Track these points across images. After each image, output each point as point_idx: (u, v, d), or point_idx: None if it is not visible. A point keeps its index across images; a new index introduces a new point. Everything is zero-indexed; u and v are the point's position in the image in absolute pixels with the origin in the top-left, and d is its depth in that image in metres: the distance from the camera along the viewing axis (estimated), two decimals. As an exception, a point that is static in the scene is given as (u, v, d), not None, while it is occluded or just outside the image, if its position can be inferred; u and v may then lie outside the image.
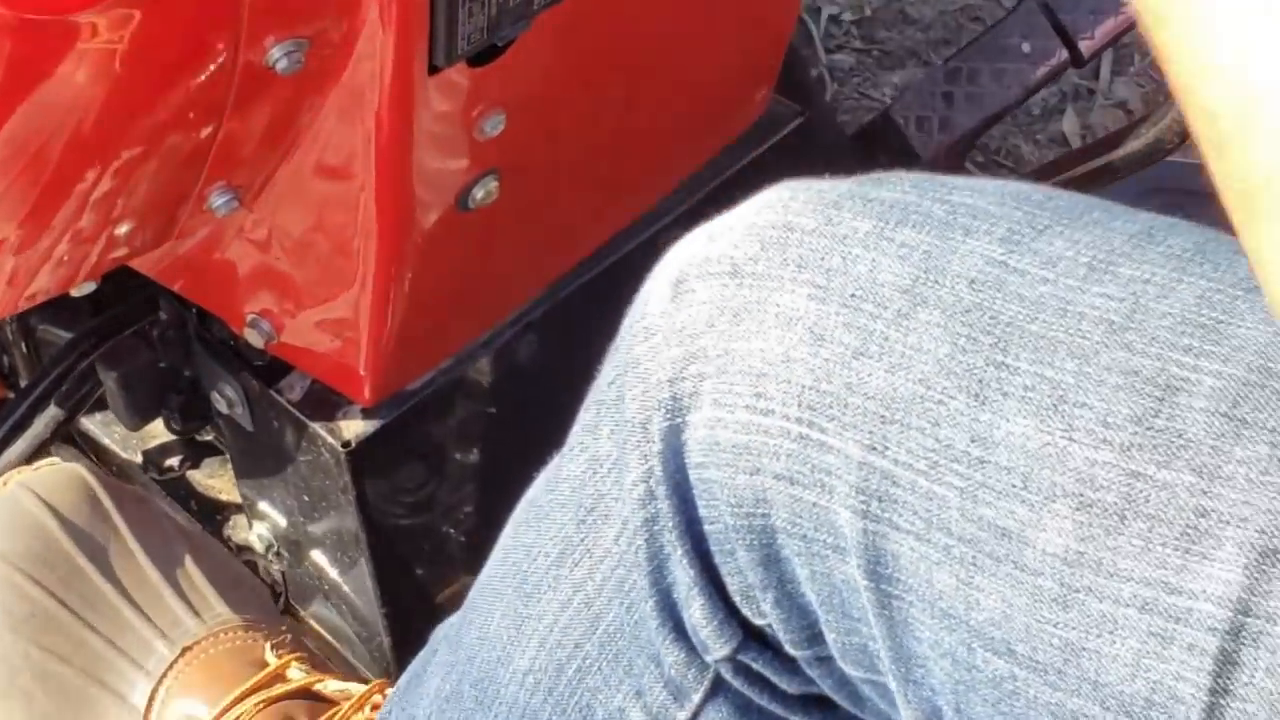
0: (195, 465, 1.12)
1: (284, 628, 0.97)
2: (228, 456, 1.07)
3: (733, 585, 0.62)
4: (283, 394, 0.95)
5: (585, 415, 0.67)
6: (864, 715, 0.65)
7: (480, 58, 0.80)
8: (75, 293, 0.88)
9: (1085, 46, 1.35)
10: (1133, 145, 1.14)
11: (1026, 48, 1.44)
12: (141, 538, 0.96)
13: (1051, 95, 1.71)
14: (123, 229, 0.84)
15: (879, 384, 0.57)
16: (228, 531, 1.11)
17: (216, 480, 1.11)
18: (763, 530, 0.60)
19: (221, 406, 0.99)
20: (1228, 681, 0.51)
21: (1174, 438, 0.53)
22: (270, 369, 0.97)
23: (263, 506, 1.04)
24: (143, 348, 1.01)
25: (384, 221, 0.84)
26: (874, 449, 0.57)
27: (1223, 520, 0.52)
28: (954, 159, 1.34)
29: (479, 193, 0.87)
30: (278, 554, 1.05)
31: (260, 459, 1.01)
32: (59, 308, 1.01)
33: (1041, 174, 1.25)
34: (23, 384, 1.07)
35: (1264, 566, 0.51)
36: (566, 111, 0.91)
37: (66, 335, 1.03)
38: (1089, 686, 0.54)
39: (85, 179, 0.78)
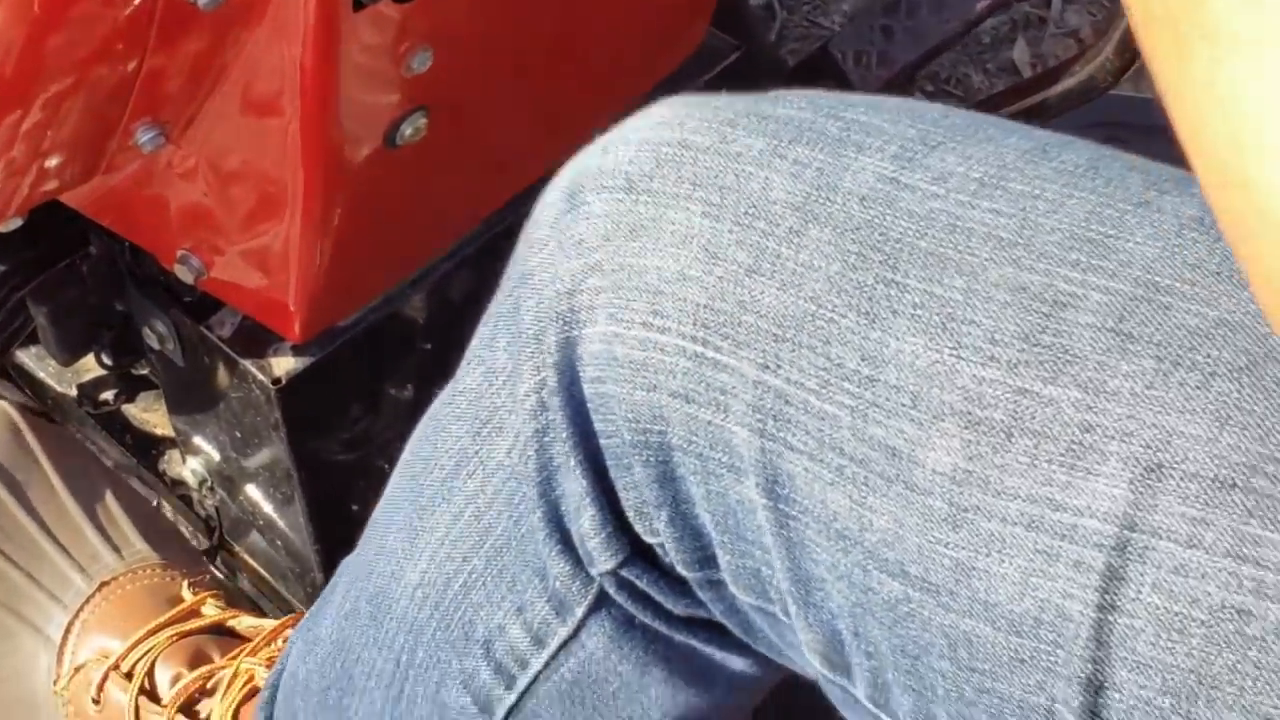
0: (130, 399, 1.11)
1: (201, 568, 0.98)
2: (162, 391, 1.07)
3: (627, 500, 0.62)
4: (213, 330, 0.95)
5: (483, 328, 0.66)
6: (756, 645, 0.65)
7: (406, -6, 0.80)
8: (2, 228, 0.88)
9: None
10: (1068, 83, 1.14)
11: (968, -19, 1.44)
12: (65, 474, 0.96)
13: (1002, 24, 1.71)
14: (51, 162, 0.84)
15: (771, 302, 0.57)
16: (162, 466, 1.11)
17: (151, 414, 1.11)
18: (660, 447, 0.60)
19: (153, 342, 0.99)
20: (1115, 598, 0.51)
21: (1060, 354, 0.53)
22: (201, 305, 0.96)
23: (196, 441, 1.04)
24: (73, 283, 1.00)
25: (311, 158, 0.83)
26: (767, 368, 0.57)
27: (1108, 435, 0.52)
28: (896, 92, 1.34)
29: (407, 129, 0.87)
30: (211, 489, 1.06)
31: (192, 395, 1.01)
32: (-10, 241, 1.01)
33: (978, 109, 1.25)
34: (-46, 318, 1.06)
35: (1149, 481, 0.51)
36: (495, 47, 0.90)
37: (-3, 268, 1.03)
38: (980, 607, 0.54)
39: (12, 111, 0.78)
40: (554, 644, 0.67)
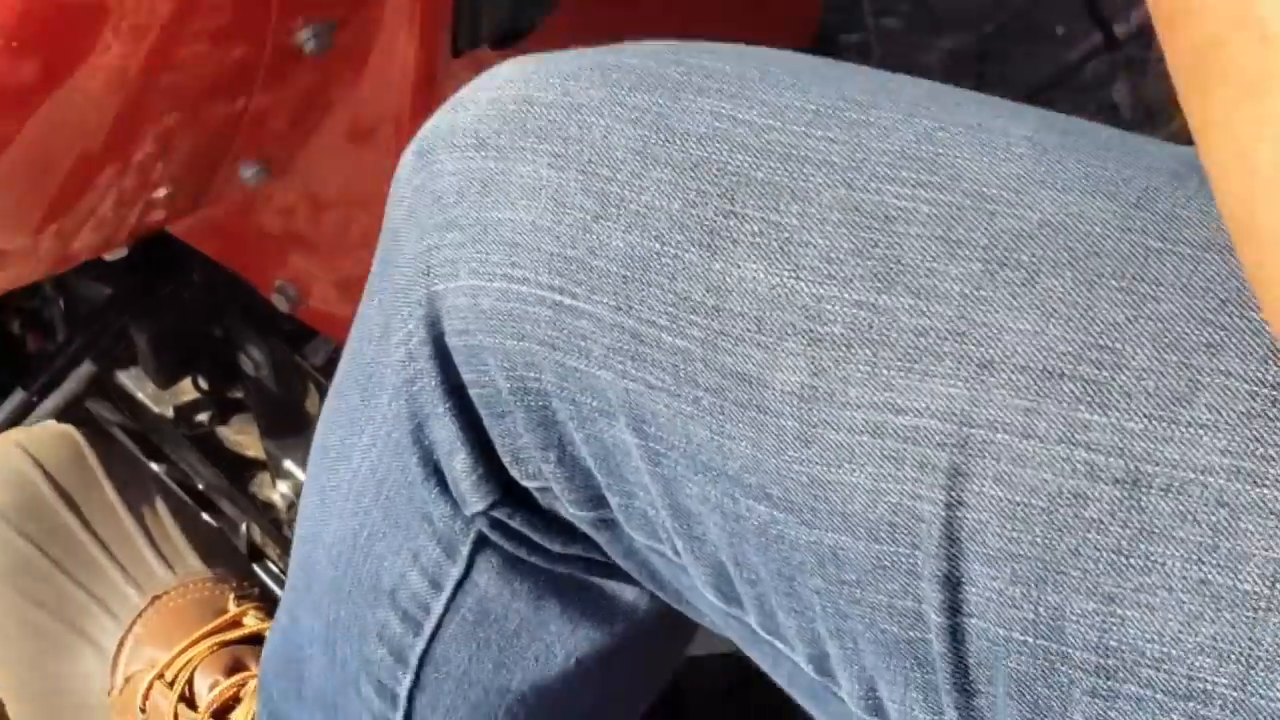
0: (224, 422, 1.14)
1: (249, 582, 1.01)
2: (255, 415, 1.10)
3: (503, 445, 0.64)
4: (307, 358, 0.98)
5: (364, 292, 0.69)
6: (662, 593, 0.67)
7: (504, 40, 0.82)
8: (109, 257, 0.91)
9: (1121, 30, 1.36)
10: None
11: (1060, 30, 1.45)
12: (124, 494, 1.00)
13: (1102, 63, 1.71)
14: (159, 194, 0.87)
15: (619, 245, 0.58)
16: (252, 488, 1.13)
17: (244, 437, 1.14)
18: (538, 393, 0.62)
19: (248, 368, 1.02)
20: (961, 494, 0.52)
21: (892, 264, 0.54)
22: (296, 332, 0.99)
23: (286, 465, 1.07)
24: (174, 309, 1.03)
25: (407, 196, 0.86)
26: (620, 309, 0.58)
27: (941, 337, 0.53)
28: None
29: (501, 170, 0.89)
30: (300, 512, 1.08)
31: (284, 419, 1.04)
32: (96, 266, 1.04)
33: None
34: (60, 339, 1.10)
35: (983, 377, 0.52)
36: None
37: (103, 292, 1.06)
38: (839, 519, 0.55)
39: (125, 144, 0.81)
40: (449, 586, 0.69)
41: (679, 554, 0.61)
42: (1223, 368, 0.49)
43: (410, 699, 0.73)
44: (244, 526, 1.11)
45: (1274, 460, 0.48)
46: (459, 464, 0.65)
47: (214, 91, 0.79)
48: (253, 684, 0.92)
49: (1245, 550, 0.48)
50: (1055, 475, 0.51)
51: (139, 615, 0.97)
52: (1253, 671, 0.49)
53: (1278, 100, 0.42)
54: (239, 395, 1.12)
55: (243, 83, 0.79)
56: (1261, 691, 0.48)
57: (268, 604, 1.00)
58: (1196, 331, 0.50)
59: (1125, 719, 0.51)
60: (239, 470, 1.14)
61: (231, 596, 0.98)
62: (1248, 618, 0.48)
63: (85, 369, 1.04)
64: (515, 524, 0.66)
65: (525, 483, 0.65)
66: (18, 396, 1.04)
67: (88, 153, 0.81)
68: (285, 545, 1.12)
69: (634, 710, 0.82)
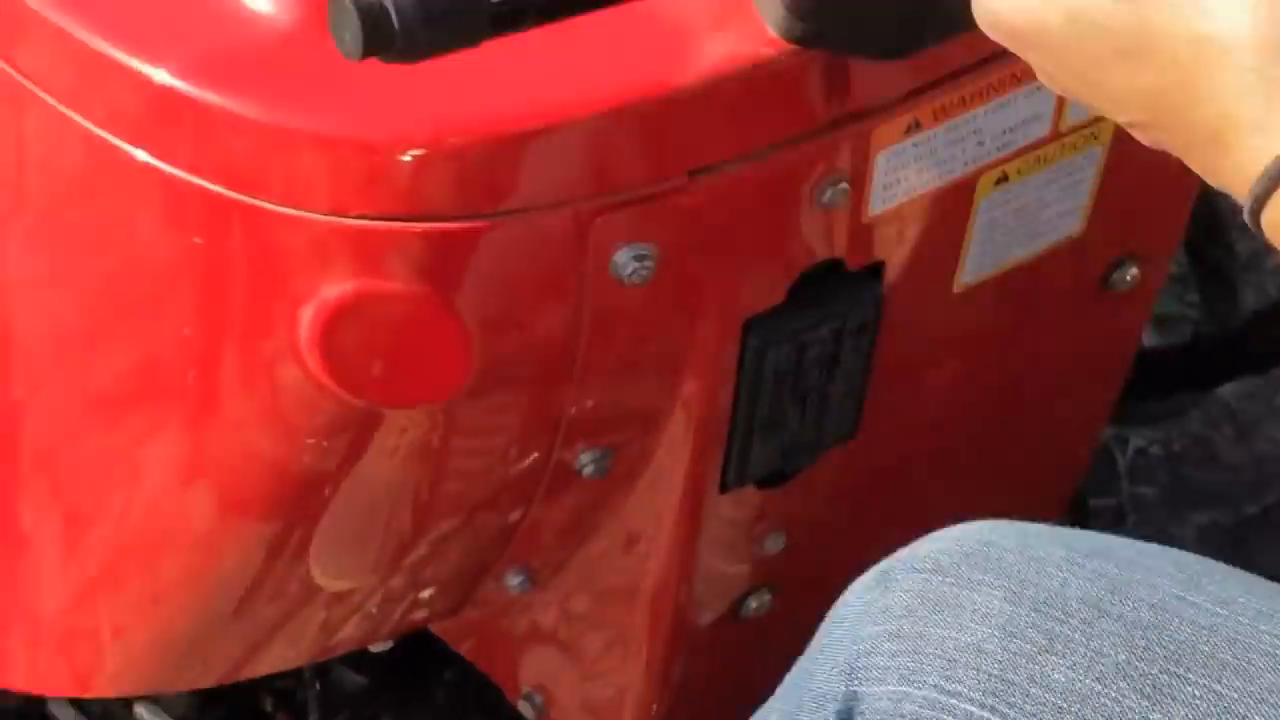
0: (455, 821, 1.16)
1: None
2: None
3: None
4: (545, 766, 0.99)
5: (764, 707, 0.73)
6: None
7: (768, 480, 0.86)
8: (374, 648, 0.95)
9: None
10: None
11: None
12: None
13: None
14: (425, 594, 0.91)
15: (1061, 679, 0.64)
16: None
17: (473, 838, 1.15)
18: None
19: (487, 770, 1.04)
20: None
21: None
22: (536, 741, 1.01)
23: None
24: (426, 705, 1.06)
25: (660, 619, 0.89)
26: None
27: None
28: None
29: (753, 603, 0.91)
30: None
31: (516, 826, 1.05)
32: (356, 653, 1.08)
33: None
34: (311, 722, 1.13)
35: None
36: (845, 534, 0.95)
37: (358, 681, 1.10)
38: None
39: (401, 544, 0.86)
40: None
41: None
42: None
43: None
44: None
45: None
46: None
47: (492, 503, 0.84)
48: None
49: None
50: None
51: None
52: None
53: None
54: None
55: (521, 498, 0.83)
56: None
57: None
58: None
59: None
60: None
61: None
62: None
63: (334, 755, 1.07)
64: None
65: None
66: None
67: (366, 553, 0.85)
68: None
69: None
